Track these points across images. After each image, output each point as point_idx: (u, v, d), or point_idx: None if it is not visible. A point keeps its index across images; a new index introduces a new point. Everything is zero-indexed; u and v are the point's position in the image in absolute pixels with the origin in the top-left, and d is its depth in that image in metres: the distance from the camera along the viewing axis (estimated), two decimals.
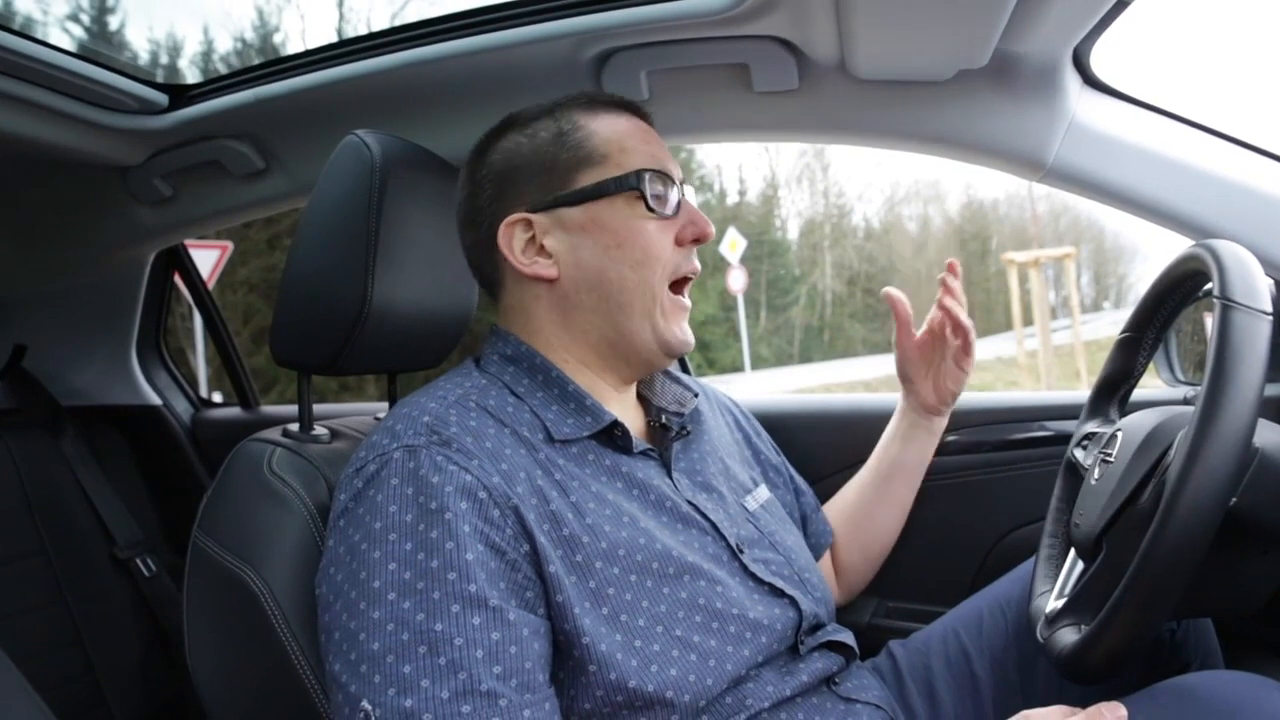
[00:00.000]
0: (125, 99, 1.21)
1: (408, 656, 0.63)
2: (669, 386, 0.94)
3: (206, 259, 6.17)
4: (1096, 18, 0.92)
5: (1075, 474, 0.90)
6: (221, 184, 1.38)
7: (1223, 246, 0.71)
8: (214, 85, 1.24)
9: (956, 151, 1.09)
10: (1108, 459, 0.79)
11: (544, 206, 0.82)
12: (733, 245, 14.95)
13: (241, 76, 1.23)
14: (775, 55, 1.02)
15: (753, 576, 0.81)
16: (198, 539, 0.83)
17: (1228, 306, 0.64)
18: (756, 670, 0.77)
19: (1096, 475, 0.80)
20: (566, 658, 0.70)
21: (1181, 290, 0.85)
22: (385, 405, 1.07)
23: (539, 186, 0.83)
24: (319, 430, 0.91)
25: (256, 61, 1.28)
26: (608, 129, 0.84)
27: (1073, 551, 0.85)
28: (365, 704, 0.63)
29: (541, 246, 0.82)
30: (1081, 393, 1.16)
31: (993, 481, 1.22)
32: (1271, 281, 0.68)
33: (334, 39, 1.33)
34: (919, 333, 1.10)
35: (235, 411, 1.82)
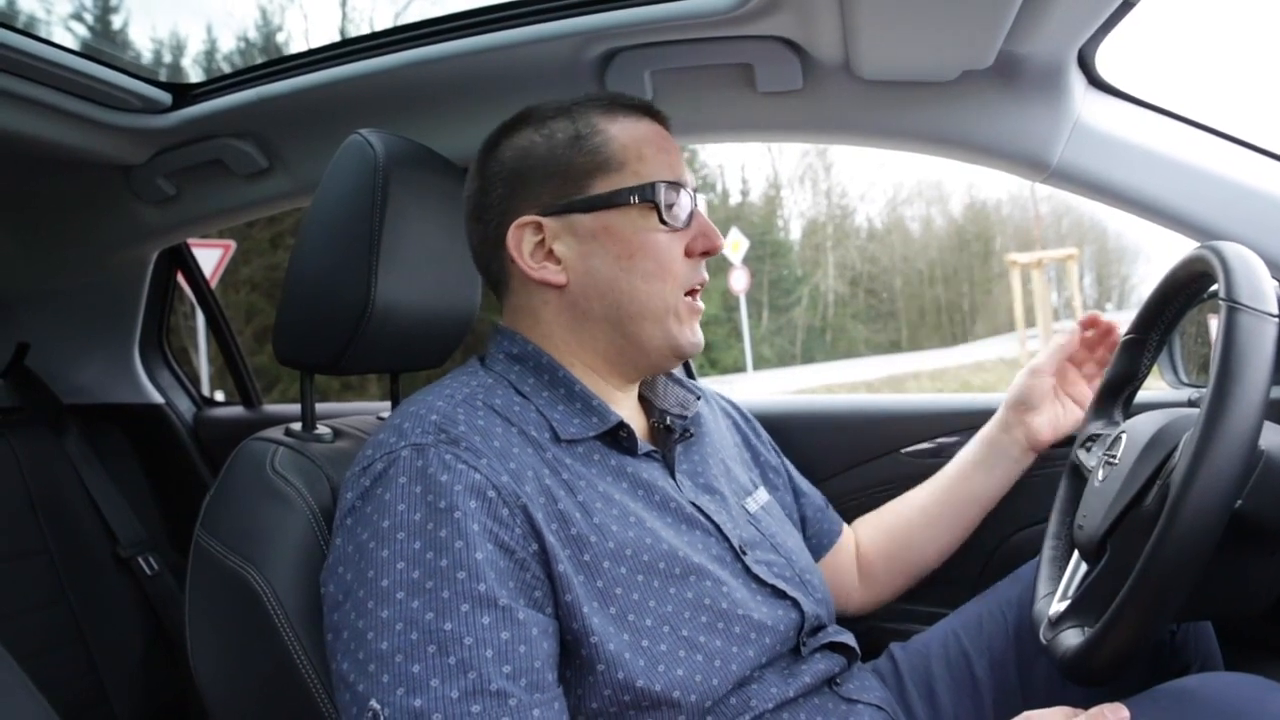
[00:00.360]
0: (128, 98, 1.21)
1: (417, 656, 0.63)
2: (671, 389, 0.93)
3: (209, 258, 6.19)
4: (1102, 18, 0.92)
5: (1079, 476, 0.90)
6: (224, 183, 1.38)
7: (1228, 248, 0.70)
8: (217, 84, 1.24)
9: (961, 152, 1.08)
10: (1112, 461, 0.79)
11: (556, 210, 0.81)
12: (735, 246, 14.97)
13: (245, 75, 1.23)
14: (779, 55, 1.02)
15: (755, 578, 0.81)
16: (200, 538, 0.83)
17: (1233, 309, 0.64)
18: (760, 671, 0.77)
19: (1101, 477, 0.80)
20: (574, 657, 0.70)
21: (1187, 292, 0.84)
22: (388, 405, 1.07)
23: (552, 190, 0.81)
24: (322, 429, 0.91)
25: (260, 61, 1.28)
26: (626, 135, 0.82)
27: (1076, 554, 0.85)
28: (374, 703, 0.63)
29: (550, 251, 0.82)
30: None
31: None
32: (1277, 283, 0.68)
33: (337, 38, 1.33)
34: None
35: (238, 410, 1.82)
